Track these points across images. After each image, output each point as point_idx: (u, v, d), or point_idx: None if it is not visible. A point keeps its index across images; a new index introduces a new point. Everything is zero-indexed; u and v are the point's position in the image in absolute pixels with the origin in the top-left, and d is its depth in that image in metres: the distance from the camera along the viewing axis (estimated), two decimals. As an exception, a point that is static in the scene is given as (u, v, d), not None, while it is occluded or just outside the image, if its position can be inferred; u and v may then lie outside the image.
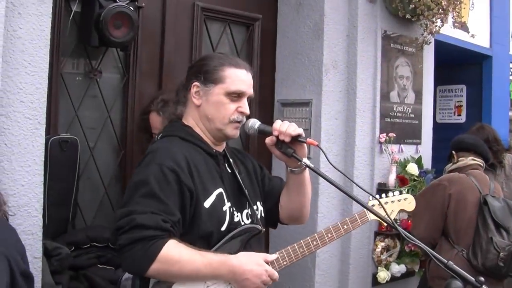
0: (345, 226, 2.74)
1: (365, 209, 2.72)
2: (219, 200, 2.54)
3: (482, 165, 4.51)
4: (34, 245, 3.20)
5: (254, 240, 2.64)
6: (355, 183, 2.75)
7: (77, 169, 3.80)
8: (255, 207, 2.73)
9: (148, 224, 2.27)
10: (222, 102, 2.58)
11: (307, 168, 2.68)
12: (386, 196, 3.01)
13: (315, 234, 2.69)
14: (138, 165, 2.54)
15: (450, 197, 4.25)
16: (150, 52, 4.36)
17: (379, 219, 2.68)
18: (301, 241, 2.65)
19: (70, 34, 3.94)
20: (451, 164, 4.59)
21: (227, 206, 2.56)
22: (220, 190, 2.56)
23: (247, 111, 2.62)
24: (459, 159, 4.53)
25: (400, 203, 3.07)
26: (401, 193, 3.10)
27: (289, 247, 2.63)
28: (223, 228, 2.53)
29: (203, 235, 2.47)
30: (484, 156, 4.58)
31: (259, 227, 2.66)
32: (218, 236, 2.52)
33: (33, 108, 3.23)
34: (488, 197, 4.20)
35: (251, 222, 2.66)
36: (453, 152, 4.62)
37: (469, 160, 4.46)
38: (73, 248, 3.67)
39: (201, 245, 2.45)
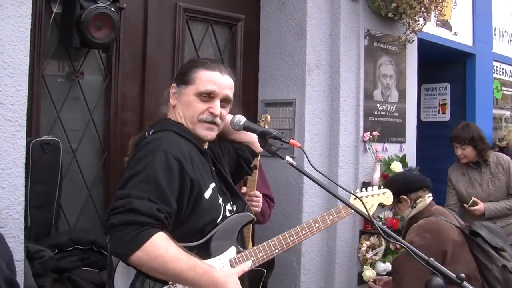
0: (331, 217, 2.88)
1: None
2: (215, 193, 2.62)
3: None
4: (16, 248, 3.18)
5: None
6: (332, 181, 2.76)
7: (60, 171, 3.77)
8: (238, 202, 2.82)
9: (142, 210, 2.26)
10: (191, 102, 2.65)
11: None
12: (366, 191, 3.14)
13: (304, 224, 2.83)
14: (138, 151, 2.52)
15: (445, 254, 3.83)
16: (132, 53, 4.35)
17: (360, 214, 2.77)
18: (291, 230, 2.78)
19: (51, 35, 3.91)
20: (409, 210, 4.23)
21: (220, 200, 2.65)
22: (214, 184, 2.63)
23: (217, 111, 2.66)
24: (417, 201, 4.20)
25: (379, 197, 3.26)
26: (379, 187, 3.30)
27: (280, 235, 2.74)
28: (218, 221, 2.61)
29: (202, 225, 2.54)
30: (428, 186, 4.29)
31: (251, 214, 2.76)
32: (212, 227, 2.58)
33: (13, 110, 3.21)
34: (473, 227, 3.97)
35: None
36: (404, 196, 4.22)
37: (427, 198, 4.19)
38: (56, 250, 3.65)
39: (196, 237, 2.52)
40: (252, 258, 2.65)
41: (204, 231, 2.55)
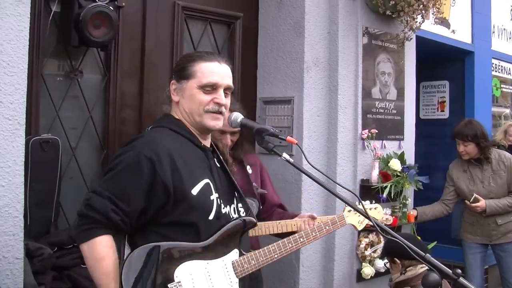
0: (327, 227, 3.13)
1: (343, 213, 3.28)
2: (207, 189, 2.60)
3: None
4: (15, 246, 3.20)
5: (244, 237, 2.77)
6: (330, 179, 2.81)
7: (59, 169, 3.78)
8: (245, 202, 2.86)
9: (97, 208, 2.44)
10: (194, 95, 2.67)
11: None
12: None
13: (302, 232, 2.99)
14: (122, 147, 2.68)
15: None
16: (131, 52, 4.36)
17: (354, 222, 3.35)
18: (290, 237, 2.90)
19: (50, 34, 3.92)
20: (398, 274, 4.12)
21: (214, 196, 2.63)
22: (207, 180, 2.63)
23: (223, 101, 2.69)
24: (408, 269, 4.06)
25: (371, 212, 3.44)
26: (371, 202, 3.51)
27: (280, 241, 2.86)
28: (210, 217, 2.59)
29: (190, 222, 2.54)
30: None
31: (253, 219, 2.79)
32: (206, 225, 2.58)
33: (12, 109, 3.22)
34: None
35: (239, 217, 2.75)
36: (397, 260, 4.12)
37: (419, 269, 4.00)
38: (56, 248, 3.66)
39: (189, 233, 2.53)
40: (253, 262, 2.70)
41: (198, 228, 2.55)
